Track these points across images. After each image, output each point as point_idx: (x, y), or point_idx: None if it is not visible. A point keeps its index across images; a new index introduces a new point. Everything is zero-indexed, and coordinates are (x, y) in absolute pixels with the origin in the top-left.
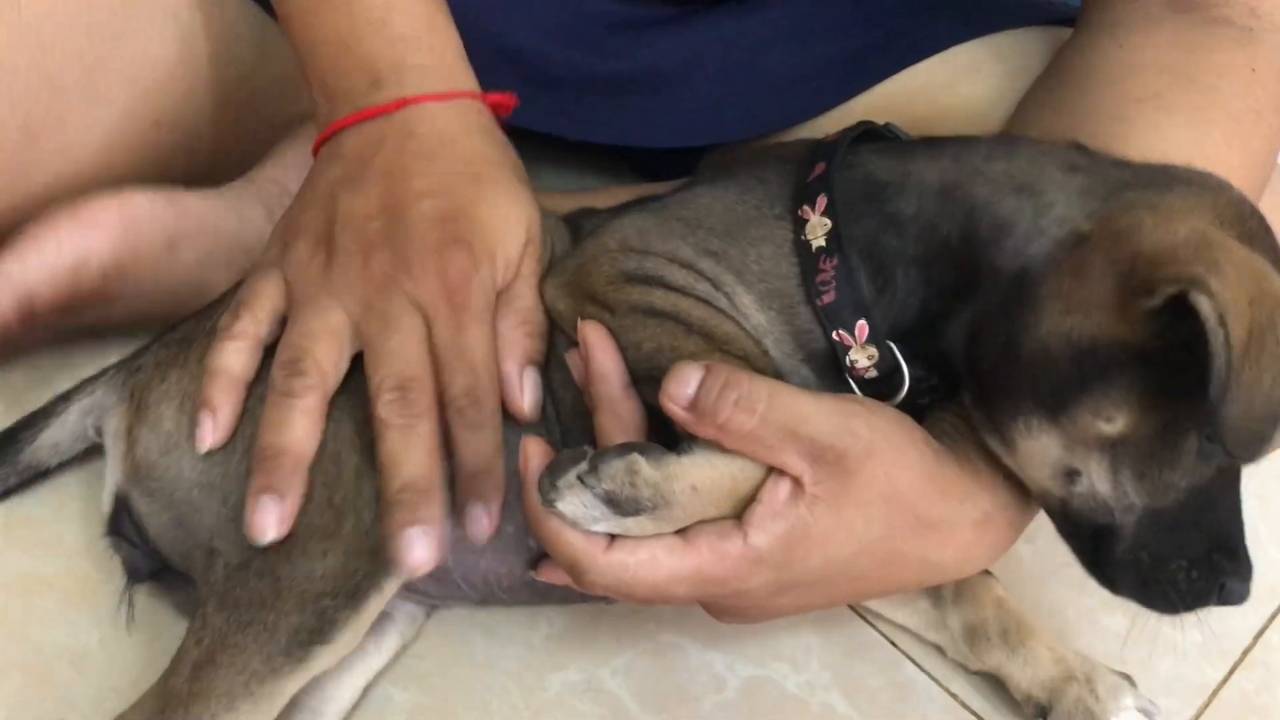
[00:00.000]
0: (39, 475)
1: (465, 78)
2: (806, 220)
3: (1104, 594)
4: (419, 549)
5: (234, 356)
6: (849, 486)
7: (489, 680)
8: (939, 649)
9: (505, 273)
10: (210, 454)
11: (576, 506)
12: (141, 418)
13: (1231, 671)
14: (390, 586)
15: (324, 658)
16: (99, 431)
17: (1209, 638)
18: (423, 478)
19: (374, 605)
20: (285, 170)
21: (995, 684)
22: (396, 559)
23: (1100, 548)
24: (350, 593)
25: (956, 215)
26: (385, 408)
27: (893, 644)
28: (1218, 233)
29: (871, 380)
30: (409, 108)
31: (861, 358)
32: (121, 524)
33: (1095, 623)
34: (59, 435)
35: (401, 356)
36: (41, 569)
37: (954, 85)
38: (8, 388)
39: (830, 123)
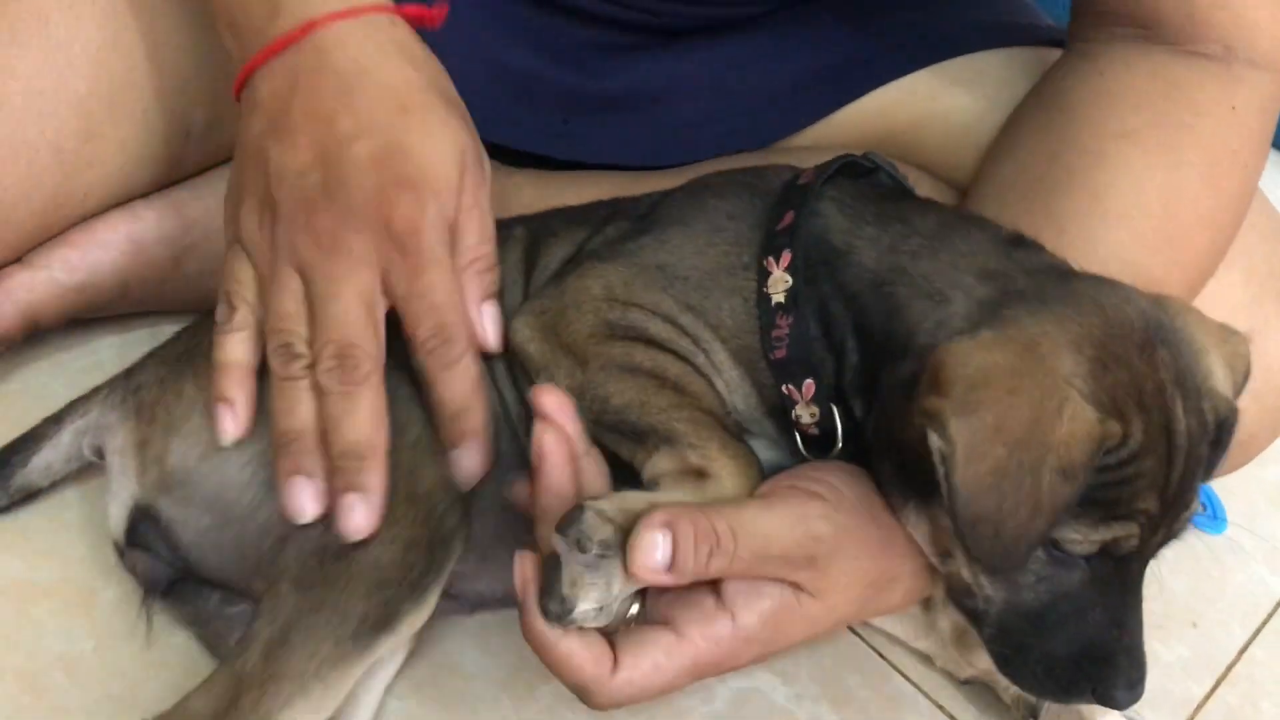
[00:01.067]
0: (30, 496)
1: None
2: (770, 273)
3: None
4: (357, 515)
5: (237, 348)
6: (830, 579)
7: (480, 690)
8: (927, 659)
9: (450, 204)
10: (252, 450)
11: (590, 598)
12: (169, 429)
13: (1216, 686)
14: (444, 579)
15: (386, 645)
16: (97, 451)
17: (1194, 652)
18: (360, 443)
19: (433, 598)
20: None
21: (982, 695)
22: (336, 524)
23: (975, 625)
24: (413, 583)
25: (882, 311)
26: (324, 375)
27: (881, 656)
28: (1013, 368)
29: (815, 437)
30: (316, 32)
31: (805, 415)
32: (140, 537)
33: None
34: (51, 457)
35: (341, 322)
36: (36, 576)
37: (938, 96)
38: (4, 396)
39: (810, 136)
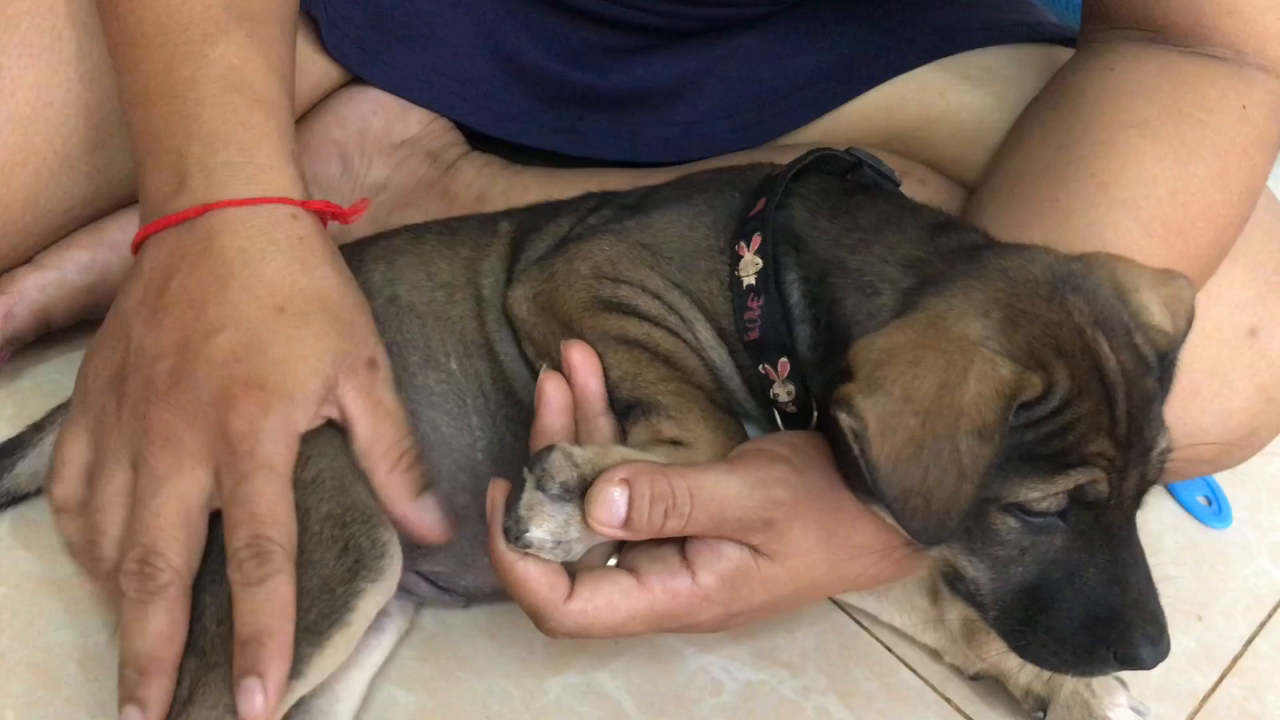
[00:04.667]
0: (17, 500)
1: (279, 181)
2: (741, 257)
3: None
4: None
5: (66, 526)
6: (787, 542)
7: (490, 683)
8: (934, 653)
9: (302, 414)
10: None
11: (544, 528)
12: None
13: (1221, 679)
14: (355, 621)
15: (296, 690)
16: None
17: (1199, 645)
18: (146, 656)
19: (340, 641)
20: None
21: (989, 689)
22: None
23: (976, 610)
24: (315, 630)
25: (825, 301)
26: (124, 579)
27: (888, 649)
28: (915, 343)
29: (793, 414)
30: (210, 214)
31: (782, 393)
32: None
33: None
34: (37, 464)
35: (151, 526)
36: (50, 571)
37: (946, 93)
38: (15, 393)
39: (819, 132)
